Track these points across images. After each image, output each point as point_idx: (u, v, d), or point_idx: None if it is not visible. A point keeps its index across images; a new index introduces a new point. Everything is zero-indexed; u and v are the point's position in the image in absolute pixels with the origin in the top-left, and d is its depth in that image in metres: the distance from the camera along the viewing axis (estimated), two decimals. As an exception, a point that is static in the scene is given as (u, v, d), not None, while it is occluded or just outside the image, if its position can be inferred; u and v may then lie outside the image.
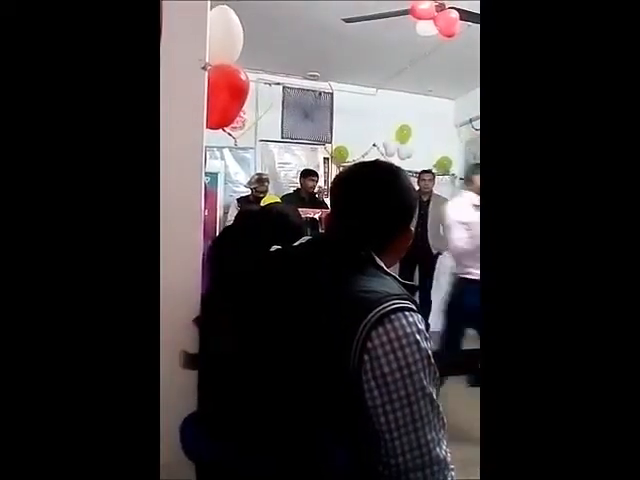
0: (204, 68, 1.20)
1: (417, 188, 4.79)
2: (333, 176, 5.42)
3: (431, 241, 4.82)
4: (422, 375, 0.73)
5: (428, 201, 4.87)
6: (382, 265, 0.85)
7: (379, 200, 0.89)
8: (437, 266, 4.99)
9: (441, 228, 4.96)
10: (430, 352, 0.75)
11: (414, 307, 0.76)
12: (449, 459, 0.74)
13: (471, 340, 4.31)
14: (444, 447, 0.74)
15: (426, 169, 5.02)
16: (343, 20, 3.45)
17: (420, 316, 0.77)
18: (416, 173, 4.96)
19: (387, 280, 0.81)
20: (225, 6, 1.46)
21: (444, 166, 5.65)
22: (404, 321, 0.73)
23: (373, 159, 1.01)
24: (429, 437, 0.72)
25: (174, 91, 1.17)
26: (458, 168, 5.71)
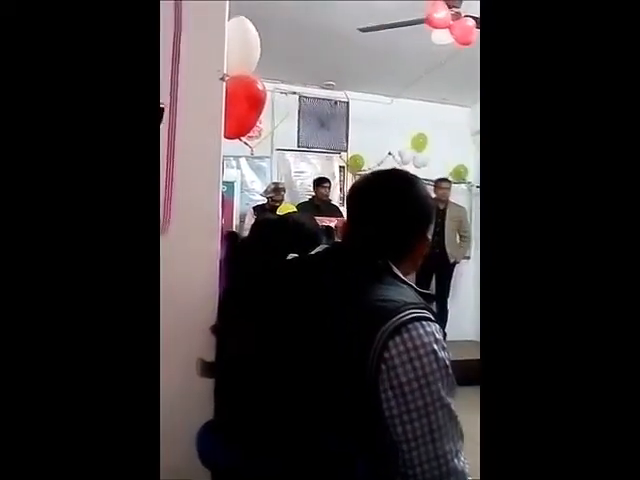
0: (222, 79, 1.21)
1: (434, 196, 4.77)
2: (349, 184, 5.43)
3: (448, 249, 4.78)
4: (440, 385, 0.72)
5: (445, 209, 4.85)
6: (399, 274, 0.85)
7: (395, 208, 0.89)
8: (454, 274, 4.95)
9: (457, 237, 4.94)
10: (448, 362, 0.74)
11: (431, 316, 0.76)
12: (467, 470, 0.73)
13: (478, 347, 4.26)
14: (462, 458, 0.73)
15: (443, 177, 5.00)
16: (359, 30, 3.47)
17: (438, 326, 0.76)
18: (432, 181, 4.94)
19: (404, 289, 0.81)
20: (242, 17, 1.48)
21: (460, 174, 5.62)
22: (421, 330, 0.73)
23: (389, 168, 1.01)
24: (447, 448, 0.71)
25: (193, 102, 1.18)
26: (474, 176, 5.68)
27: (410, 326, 0.72)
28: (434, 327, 0.75)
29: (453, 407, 0.74)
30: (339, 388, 0.73)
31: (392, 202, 0.89)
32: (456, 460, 0.72)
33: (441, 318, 4.63)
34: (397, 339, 0.72)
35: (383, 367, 0.71)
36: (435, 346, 0.73)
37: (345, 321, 0.75)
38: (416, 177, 0.96)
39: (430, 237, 0.94)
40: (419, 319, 0.74)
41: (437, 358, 0.73)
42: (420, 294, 0.82)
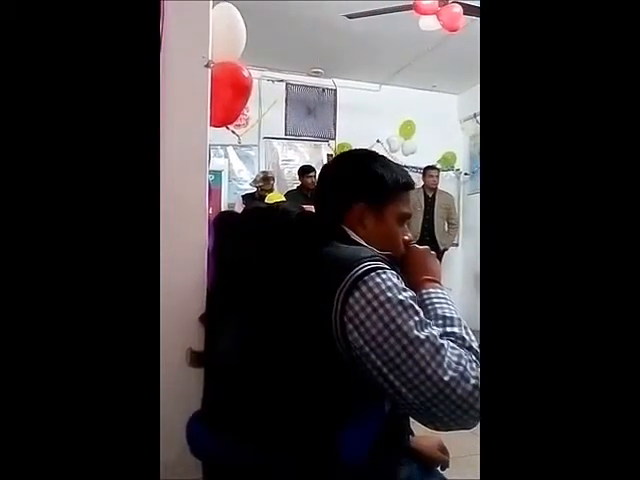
0: (207, 65, 1.19)
1: (422, 184, 4.78)
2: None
3: (438, 237, 4.81)
4: (411, 324, 0.72)
5: (434, 197, 4.86)
6: (355, 237, 0.87)
7: (345, 179, 0.94)
8: (443, 262, 4.99)
9: (445, 224, 4.96)
10: (411, 300, 0.74)
11: (385, 266, 0.76)
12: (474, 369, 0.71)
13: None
14: (474, 373, 0.71)
15: (431, 165, 5.01)
16: (346, 16, 3.44)
17: (393, 272, 0.76)
18: (420, 169, 4.96)
19: (357, 247, 0.81)
20: (228, 3, 1.46)
21: (448, 161, 5.63)
22: (378, 279, 0.73)
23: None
24: (447, 378, 0.70)
25: (178, 89, 1.17)
26: (462, 163, 5.70)
27: (366, 278, 0.73)
28: (389, 273, 0.75)
29: (435, 338, 0.72)
30: (315, 361, 0.74)
31: (343, 172, 0.96)
32: (463, 383, 0.70)
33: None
34: (356, 294, 0.72)
35: (350, 326, 0.72)
36: (394, 290, 0.73)
37: (306, 292, 0.75)
38: (372, 152, 1.02)
39: (402, 215, 0.95)
40: (373, 270, 0.74)
41: (399, 300, 0.73)
42: (384, 255, 0.81)
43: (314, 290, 0.75)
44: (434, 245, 4.75)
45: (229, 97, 1.37)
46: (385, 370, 0.71)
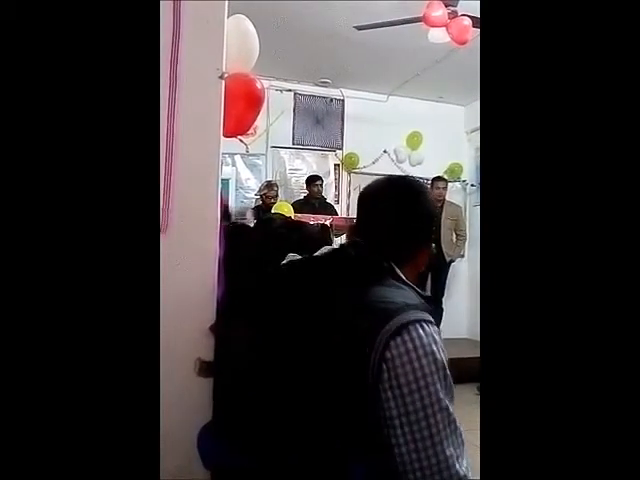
0: (221, 77, 1.21)
1: (429, 195, 4.76)
2: (344, 182, 5.44)
3: (445, 249, 4.77)
4: (438, 386, 0.72)
5: (441, 208, 4.83)
6: (402, 276, 0.87)
7: (404, 216, 0.92)
8: (449, 274, 4.96)
9: (453, 236, 4.94)
10: (445, 364, 0.75)
11: (431, 319, 0.77)
12: (469, 475, 0.72)
13: (472, 345, 4.31)
14: (464, 464, 0.73)
15: (439, 176, 4.99)
16: (355, 27, 3.47)
17: (437, 328, 0.77)
18: (427, 180, 4.95)
19: (406, 291, 0.82)
20: (242, 16, 1.47)
21: (455, 172, 5.63)
22: (421, 332, 0.74)
23: (402, 175, 1.04)
24: (448, 453, 0.71)
25: (192, 100, 1.18)
26: (469, 174, 5.70)
27: (411, 327, 0.73)
28: (433, 329, 0.76)
29: (452, 411, 0.73)
30: (340, 388, 0.74)
31: (402, 210, 0.92)
32: (458, 465, 0.71)
33: (435, 316, 4.62)
34: (398, 340, 0.72)
35: (384, 367, 0.72)
36: (434, 347, 0.74)
37: (347, 321, 0.75)
38: (424, 186, 0.99)
39: (433, 244, 0.96)
40: (419, 321, 0.75)
41: (435, 359, 0.73)
42: (421, 297, 0.83)
43: (355, 323, 0.74)
44: (440, 257, 4.71)
45: (242, 108, 1.38)
46: (403, 420, 0.71)
